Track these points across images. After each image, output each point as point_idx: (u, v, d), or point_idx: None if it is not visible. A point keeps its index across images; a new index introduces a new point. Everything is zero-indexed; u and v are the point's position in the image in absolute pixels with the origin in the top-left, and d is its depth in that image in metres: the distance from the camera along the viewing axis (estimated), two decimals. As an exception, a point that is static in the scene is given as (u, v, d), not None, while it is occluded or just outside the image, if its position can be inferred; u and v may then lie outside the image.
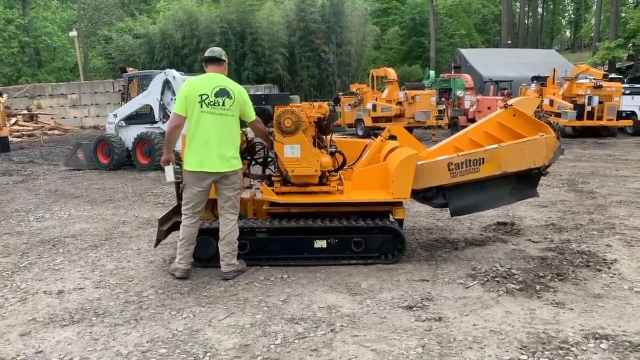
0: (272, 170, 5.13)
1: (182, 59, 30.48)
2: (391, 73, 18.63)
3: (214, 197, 4.56)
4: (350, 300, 3.89)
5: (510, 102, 5.16)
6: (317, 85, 34.29)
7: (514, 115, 5.00)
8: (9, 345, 3.30)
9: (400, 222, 4.90)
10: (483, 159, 4.68)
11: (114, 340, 3.33)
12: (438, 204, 5.06)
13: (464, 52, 34.50)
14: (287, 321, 3.55)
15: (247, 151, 5.02)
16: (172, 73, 11.29)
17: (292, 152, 4.57)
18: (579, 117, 16.01)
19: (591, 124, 16.36)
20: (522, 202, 5.89)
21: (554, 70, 18.27)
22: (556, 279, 4.20)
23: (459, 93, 21.02)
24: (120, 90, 17.79)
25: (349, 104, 19.05)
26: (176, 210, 5.06)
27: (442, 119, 19.46)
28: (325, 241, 4.67)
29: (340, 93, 22.65)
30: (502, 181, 4.88)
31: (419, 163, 4.63)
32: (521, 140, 4.76)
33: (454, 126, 18.67)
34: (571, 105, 16.24)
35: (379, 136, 5.32)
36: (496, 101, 17.73)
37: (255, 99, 4.86)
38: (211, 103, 4.21)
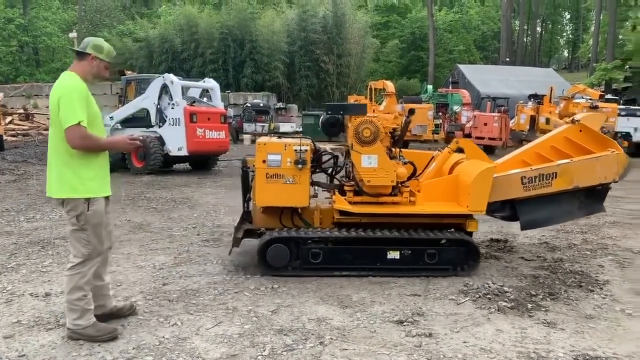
0: (338, 180, 5.17)
1: (180, 63, 30.53)
2: (389, 86, 18.72)
3: (287, 205, 4.72)
4: (341, 313, 3.85)
5: (577, 117, 5.22)
6: (316, 94, 34.40)
7: (581, 130, 5.06)
8: (-8, 347, 3.24)
9: (470, 234, 4.90)
10: (556, 173, 4.76)
11: (99, 345, 3.27)
12: (503, 216, 5.13)
13: (462, 67, 34.73)
14: (275, 332, 3.50)
15: (315, 161, 4.96)
16: (170, 77, 11.29)
17: (369, 162, 4.58)
18: (575, 136, 16.08)
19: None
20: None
21: (551, 89, 18.38)
22: (548, 298, 4.18)
23: (456, 108, 21.10)
24: (117, 93, 17.78)
25: (347, 115, 19.06)
26: (244, 218, 5.22)
27: (438, 134, 19.54)
28: (398, 252, 4.62)
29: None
30: (572, 196, 4.94)
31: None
32: (593, 155, 4.85)
33: (450, 141, 18.73)
34: (567, 124, 16.31)
35: (446, 148, 5.37)
36: (493, 117, 17.82)
37: (333, 108, 4.99)
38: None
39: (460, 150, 5.33)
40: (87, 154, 3.33)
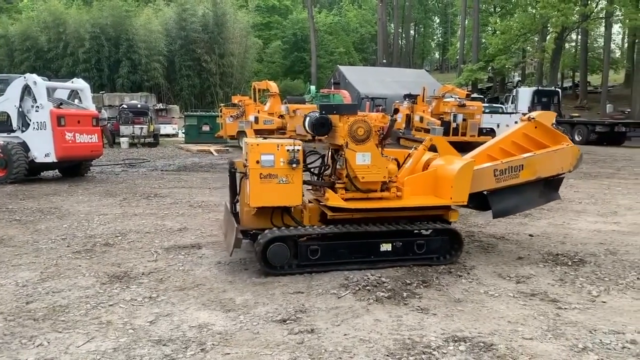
0: (322, 178, 5.28)
1: (46, 63, 28.31)
2: (273, 86, 18.78)
3: (282, 204, 4.78)
4: (224, 318, 3.78)
5: (532, 115, 5.62)
6: (198, 94, 33.64)
7: (536, 127, 5.48)
8: None
9: (449, 224, 5.19)
10: (522, 165, 5.19)
11: (-53, 378, 2.92)
12: (474, 206, 5.52)
13: (343, 69, 35.73)
14: (154, 343, 3.35)
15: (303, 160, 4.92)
16: (32, 78, 10.38)
17: (363, 159, 4.79)
18: (446, 132, 17.24)
19: (456, 139, 17.67)
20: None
21: (424, 89, 19.53)
22: (422, 286, 4.43)
23: (338, 108, 21.68)
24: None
25: (231, 116, 18.88)
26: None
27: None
28: (390, 244, 4.85)
29: (222, 104, 22.37)
30: (534, 186, 5.39)
31: None
32: (552, 148, 5.31)
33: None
34: (439, 122, 17.44)
35: (421, 145, 5.55)
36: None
37: (326, 108, 5.06)
38: None
39: (433, 148, 5.60)
40: None
